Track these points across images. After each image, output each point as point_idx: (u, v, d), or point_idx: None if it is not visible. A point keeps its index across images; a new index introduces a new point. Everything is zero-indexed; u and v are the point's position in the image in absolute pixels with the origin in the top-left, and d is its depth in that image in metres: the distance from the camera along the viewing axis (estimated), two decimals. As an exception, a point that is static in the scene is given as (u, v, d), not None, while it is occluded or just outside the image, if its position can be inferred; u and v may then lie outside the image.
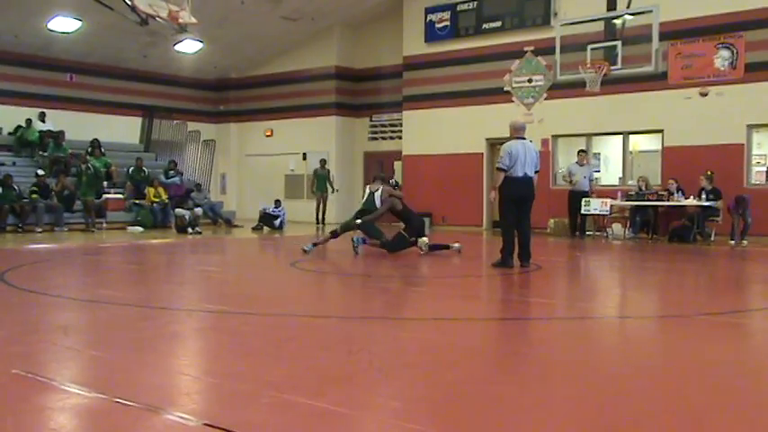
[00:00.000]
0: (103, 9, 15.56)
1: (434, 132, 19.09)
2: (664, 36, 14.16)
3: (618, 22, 15.06)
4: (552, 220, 16.37)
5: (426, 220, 18.24)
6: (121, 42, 19.54)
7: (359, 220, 10.73)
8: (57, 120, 19.68)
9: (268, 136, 23.13)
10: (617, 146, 17.14)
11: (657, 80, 15.12)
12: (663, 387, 3.59)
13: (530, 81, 17.70)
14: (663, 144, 16.06)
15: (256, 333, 4.98)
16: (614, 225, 15.53)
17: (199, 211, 17.50)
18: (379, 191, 10.93)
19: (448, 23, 18.90)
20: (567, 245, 13.78)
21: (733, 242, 13.44)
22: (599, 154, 17.86)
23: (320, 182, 19.78)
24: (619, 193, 15.41)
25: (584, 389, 3.57)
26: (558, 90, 16.81)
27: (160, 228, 17.51)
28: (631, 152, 17.03)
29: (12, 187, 15.93)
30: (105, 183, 18.06)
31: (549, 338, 5.03)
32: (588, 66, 14.62)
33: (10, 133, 19.33)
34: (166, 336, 4.86)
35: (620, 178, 16.98)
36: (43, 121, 19.55)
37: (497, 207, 9.27)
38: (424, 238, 10.77)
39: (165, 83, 22.58)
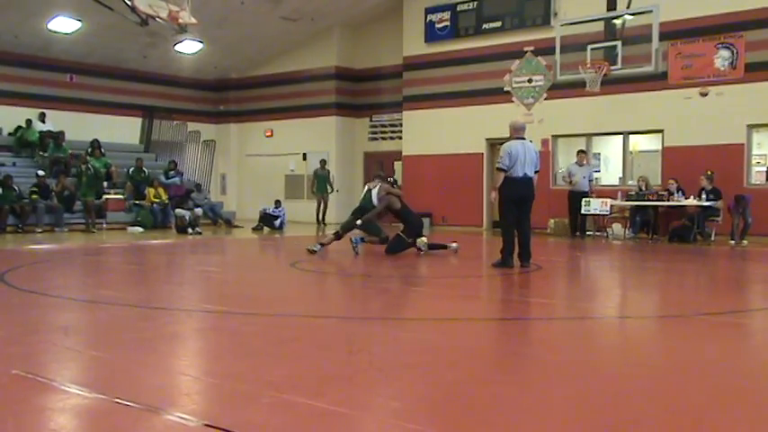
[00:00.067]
0: (103, 10, 15.56)
1: (434, 132, 19.09)
2: (664, 36, 14.16)
3: (618, 22, 15.07)
4: (552, 221, 16.38)
5: (426, 221, 18.34)
6: (121, 43, 19.54)
7: (359, 221, 10.70)
8: (57, 120, 19.68)
9: (268, 136, 23.14)
10: (617, 146, 17.14)
11: (657, 80, 15.12)
12: (663, 387, 3.59)
13: (530, 81, 17.71)
14: (663, 144, 16.06)
15: (257, 333, 4.98)
16: (614, 225, 15.53)
17: (199, 211, 17.51)
18: (377, 188, 10.89)
19: (448, 23, 18.90)
20: (567, 245, 13.78)
21: (733, 242, 13.45)
22: (599, 154, 17.86)
23: (320, 183, 19.79)
24: (619, 193, 15.41)
25: (585, 389, 3.57)
26: (558, 90, 16.81)
27: (160, 228, 17.51)
28: (631, 152, 17.03)
29: (12, 188, 15.93)
30: (105, 183, 18.07)
31: (549, 338, 5.03)
32: (588, 66, 14.62)
33: (10, 134, 19.33)
34: (167, 336, 4.86)
35: (620, 178, 16.98)
36: (43, 122, 19.55)
37: (497, 207, 9.27)
38: (423, 238, 10.75)
39: (165, 83, 22.58)
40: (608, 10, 15.88)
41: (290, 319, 5.57)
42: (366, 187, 11.31)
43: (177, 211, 17.01)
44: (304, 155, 22.07)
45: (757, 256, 11.88)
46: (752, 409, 3.29)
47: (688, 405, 3.33)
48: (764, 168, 15.56)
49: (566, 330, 5.35)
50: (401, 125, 20.17)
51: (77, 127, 19.74)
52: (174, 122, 22.88)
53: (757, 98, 14.69)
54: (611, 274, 9.99)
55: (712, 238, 14.01)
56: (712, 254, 12.29)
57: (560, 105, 17.05)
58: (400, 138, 20.27)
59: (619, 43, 14.54)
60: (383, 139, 21.47)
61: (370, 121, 21.75)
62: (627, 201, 15.05)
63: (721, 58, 15.17)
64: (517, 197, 8.76)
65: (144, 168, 19.11)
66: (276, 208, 18.20)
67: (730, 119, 14.94)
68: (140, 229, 16.93)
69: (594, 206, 14.99)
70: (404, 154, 19.87)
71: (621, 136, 16.77)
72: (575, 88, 15.50)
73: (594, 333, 5.36)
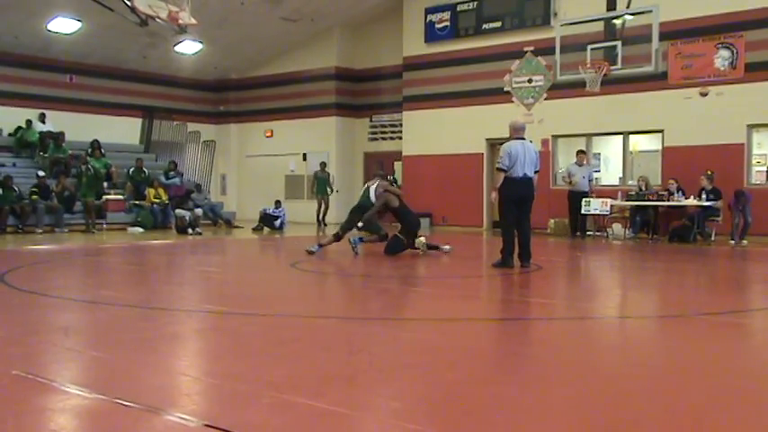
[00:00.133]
0: (103, 10, 15.57)
1: (434, 133, 19.10)
2: (664, 36, 14.16)
3: (618, 22, 15.07)
4: (552, 221, 16.38)
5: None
6: (121, 43, 19.55)
7: (361, 223, 10.65)
8: (57, 121, 19.68)
9: (268, 137, 23.14)
10: (617, 146, 17.15)
11: (657, 80, 15.12)
12: (663, 387, 3.59)
13: (530, 81, 17.71)
14: (663, 144, 16.06)
15: (257, 334, 4.98)
16: (614, 225, 15.53)
17: (199, 211, 17.52)
18: (375, 185, 10.87)
19: (448, 24, 18.90)
20: (567, 245, 13.78)
21: (733, 242, 13.45)
22: (599, 154, 17.86)
23: (320, 185, 19.77)
24: (619, 193, 15.42)
25: (585, 389, 3.57)
26: (558, 90, 16.82)
27: (160, 228, 17.51)
28: (631, 152, 17.04)
29: (12, 188, 15.94)
30: (105, 184, 18.07)
31: (550, 339, 5.03)
32: (588, 66, 14.62)
33: (10, 134, 19.33)
34: (167, 336, 4.86)
35: (620, 178, 16.98)
36: (43, 122, 19.55)
37: (497, 207, 9.27)
38: (422, 239, 10.74)
39: (165, 84, 22.59)
40: (608, 10, 15.88)
41: (290, 319, 5.57)
42: (365, 186, 11.31)
43: (177, 211, 17.02)
44: (304, 155, 22.08)
45: (757, 256, 11.88)
46: (752, 409, 3.29)
47: (688, 405, 3.33)
48: (764, 168, 15.56)
49: (566, 330, 5.35)
50: (401, 125, 20.18)
51: (77, 127, 19.74)
52: (174, 123, 22.88)
53: (757, 98, 14.70)
54: (611, 275, 9.99)
55: (712, 238, 14.00)
56: (712, 254, 12.29)
57: (560, 105, 17.05)
58: (400, 138, 20.27)
59: (619, 43, 14.54)
60: (383, 139, 21.48)
61: (371, 121, 21.75)
62: (627, 201, 15.06)
63: (721, 58, 15.17)
64: (517, 197, 8.76)
65: (144, 169, 19.11)
66: (276, 208, 18.21)
67: (730, 119, 14.94)
68: (140, 230, 16.94)
69: (594, 206, 14.99)
70: (404, 154, 19.87)
71: (621, 136, 16.78)
72: (575, 88, 15.50)
73: (595, 333, 5.36)
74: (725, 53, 15.14)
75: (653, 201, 14.56)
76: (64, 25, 18.35)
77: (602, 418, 3.11)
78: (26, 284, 7.39)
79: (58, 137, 18.93)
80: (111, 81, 21.25)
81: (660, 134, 16.13)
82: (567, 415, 3.15)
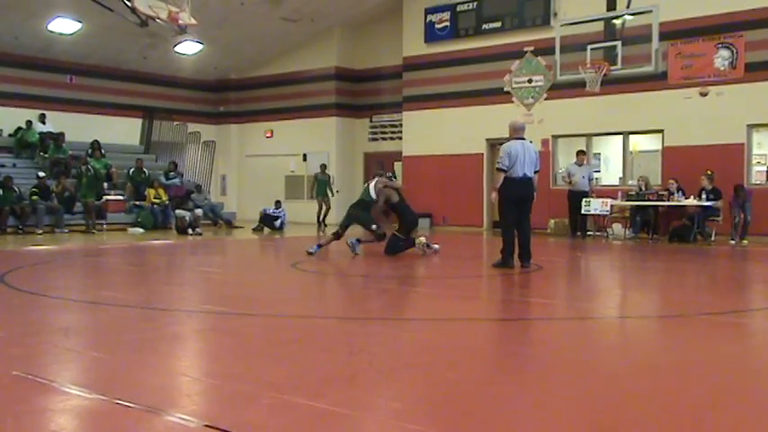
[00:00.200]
0: (103, 11, 15.57)
1: (435, 133, 19.10)
2: (664, 36, 14.15)
3: (618, 22, 15.06)
4: (552, 221, 16.38)
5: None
6: (121, 44, 19.55)
7: (374, 226, 10.57)
8: (57, 121, 19.68)
9: (268, 137, 23.14)
10: (617, 146, 17.14)
11: (657, 80, 15.12)
12: (663, 387, 3.59)
13: (530, 81, 17.71)
14: (663, 144, 16.06)
15: (257, 334, 4.98)
16: (615, 225, 15.53)
17: (199, 212, 17.51)
18: (374, 182, 10.87)
19: (448, 24, 18.91)
20: (567, 245, 13.78)
21: (733, 242, 13.45)
22: (599, 154, 17.86)
23: (321, 186, 19.75)
24: (619, 193, 15.42)
25: (585, 389, 3.57)
26: (558, 90, 16.81)
27: (160, 229, 17.51)
28: (631, 152, 17.03)
29: (12, 189, 15.94)
30: (105, 184, 18.07)
31: (550, 339, 5.03)
32: (588, 66, 14.62)
33: (10, 135, 19.33)
34: (167, 337, 4.86)
35: (620, 178, 16.98)
36: (43, 123, 19.55)
37: (498, 207, 9.26)
38: (422, 238, 10.73)
39: (165, 84, 22.59)
40: (608, 10, 15.88)
41: (290, 319, 5.57)
42: (366, 184, 11.28)
43: (177, 211, 17.02)
44: (304, 155, 22.08)
45: (757, 256, 11.88)
46: (752, 409, 3.29)
47: (688, 405, 3.33)
48: (764, 168, 15.57)
49: (566, 330, 5.35)
50: (401, 125, 20.18)
51: (77, 128, 19.74)
52: (175, 123, 22.88)
53: (757, 98, 14.70)
54: (611, 275, 9.99)
55: (712, 238, 14.00)
56: (712, 254, 12.29)
57: (560, 105, 17.05)
58: (400, 138, 20.27)
59: (619, 43, 14.53)
60: (383, 139, 21.48)
61: (371, 121, 21.75)
62: (627, 201, 15.05)
63: (721, 58, 15.17)
64: (517, 197, 8.76)
65: (144, 169, 19.11)
66: (276, 209, 18.21)
67: (730, 119, 14.94)
68: (141, 230, 16.93)
69: (595, 206, 14.99)
70: (404, 154, 19.87)
71: (621, 136, 16.77)
72: (575, 88, 15.49)
73: (595, 333, 5.36)
74: (725, 53, 15.14)
75: (653, 201, 14.56)
76: (64, 26, 18.35)
77: (602, 418, 3.11)
78: (26, 285, 7.39)
79: (58, 137, 18.93)
80: (111, 81, 21.25)
81: (660, 134, 16.13)
82: (568, 415, 3.15)
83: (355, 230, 11.02)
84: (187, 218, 16.59)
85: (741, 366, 4.16)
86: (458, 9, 18.68)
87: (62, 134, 19.04)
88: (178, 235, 16.07)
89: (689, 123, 15.42)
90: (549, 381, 3.77)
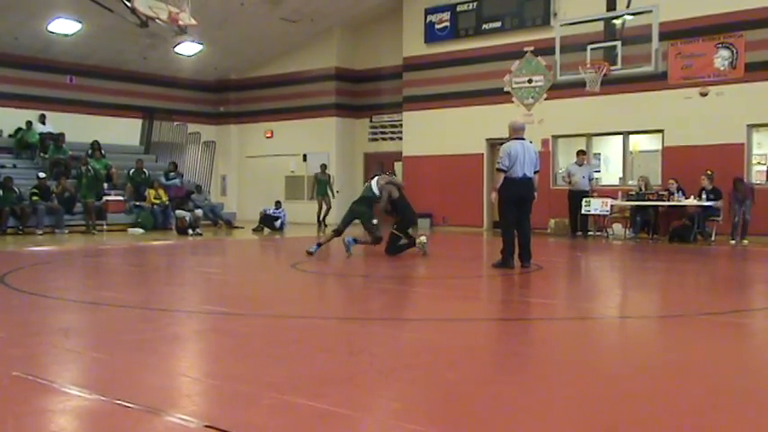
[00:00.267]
0: (103, 11, 15.57)
1: (435, 133, 19.10)
2: (664, 36, 14.15)
3: (618, 22, 15.06)
4: (553, 221, 16.39)
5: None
6: (121, 44, 19.55)
7: (375, 220, 10.58)
8: (57, 122, 19.68)
9: (268, 137, 23.14)
10: (617, 146, 17.14)
11: (657, 80, 15.11)
12: (663, 387, 3.60)
13: (530, 81, 17.71)
14: (663, 144, 16.06)
15: (257, 335, 4.98)
16: (615, 225, 15.53)
17: (199, 212, 17.52)
18: (376, 179, 10.89)
19: (448, 24, 18.91)
20: (567, 245, 13.78)
21: (734, 242, 13.45)
22: (599, 154, 17.86)
23: (321, 186, 19.75)
24: (619, 193, 15.41)
25: (585, 389, 3.57)
26: (558, 90, 16.81)
27: (161, 229, 17.51)
28: (631, 152, 17.03)
29: (12, 189, 15.94)
30: (106, 185, 18.06)
31: (550, 339, 5.03)
32: (588, 66, 14.62)
33: (10, 135, 19.33)
34: (167, 338, 4.86)
35: (620, 178, 16.98)
36: (43, 124, 19.55)
37: (497, 208, 9.26)
38: (423, 238, 10.74)
39: (165, 84, 22.58)
40: (608, 10, 15.88)
41: (290, 320, 5.57)
42: (368, 182, 11.27)
43: (178, 212, 17.02)
44: (304, 156, 22.08)
45: (758, 256, 11.88)
46: (752, 409, 3.29)
47: (689, 405, 3.33)
48: (765, 168, 15.57)
49: (566, 331, 5.35)
50: (401, 126, 20.18)
51: (77, 128, 19.74)
52: (175, 124, 22.89)
53: (757, 98, 14.70)
54: (611, 275, 9.98)
55: (713, 238, 14.00)
56: (713, 254, 12.29)
57: (560, 105, 17.05)
58: (400, 138, 20.27)
59: (619, 43, 14.53)
60: (383, 139, 21.48)
61: (371, 121, 21.75)
62: (627, 201, 15.06)
63: (721, 58, 15.17)
64: (517, 198, 8.76)
65: (144, 170, 19.11)
66: (276, 209, 18.21)
67: (730, 119, 14.94)
68: (141, 231, 16.94)
69: (595, 206, 15.00)
70: (404, 154, 19.88)
71: (621, 136, 16.77)
72: (575, 88, 15.49)
73: (595, 333, 5.37)
74: (725, 53, 15.14)
75: (653, 201, 14.56)
76: (64, 26, 18.34)
77: (602, 418, 3.11)
78: (26, 286, 7.39)
79: (58, 138, 18.93)
80: (111, 82, 21.25)
81: (660, 134, 16.13)
82: (568, 415, 3.15)
83: (354, 230, 11.02)
84: (187, 218, 16.59)
85: (741, 366, 4.17)
86: (458, 9, 18.68)
87: (62, 135, 19.04)
88: (178, 235, 16.07)
89: (689, 123, 15.42)
90: (549, 381, 3.77)
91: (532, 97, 17.69)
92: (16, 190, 16.06)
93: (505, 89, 18.05)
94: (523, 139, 8.96)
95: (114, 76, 21.29)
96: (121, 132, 21.34)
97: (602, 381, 3.78)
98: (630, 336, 5.34)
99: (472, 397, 3.40)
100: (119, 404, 3.15)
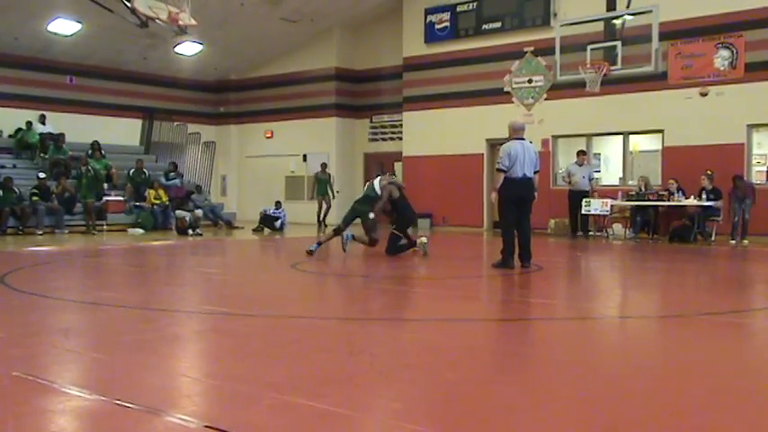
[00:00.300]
0: (103, 11, 15.57)
1: (435, 133, 19.10)
2: (663, 36, 14.15)
3: (618, 22, 15.06)
4: (553, 221, 16.38)
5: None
6: (121, 44, 19.55)
7: (372, 215, 10.62)
8: (57, 122, 19.68)
9: (268, 137, 23.14)
10: (617, 146, 17.15)
11: (657, 80, 15.12)
12: (663, 387, 3.59)
13: (530, 81, 17.71)
14: (663, 144, 16.06)
15: (257, 335, 4.98)
16: (615, 225, 15.53)
17: (199, 212, 17.51)
18: (378, 179, 10.94)
19: (448, 24, 18.91)
20: (567, 245, 13.78)
21: (734, 242, 13.44)
22: (599, 154, 17.86)
23: (321, 186, 19.76)
24: (619, 194, 15.42)
25: (585, 389, 3.58)
26: (558, 90, 16.81)
27: (161, 230, 17.52)
28: (631, 152, 17.04)
29: (12, 190, 15.94)
30: (106, 185, 18.06)
31: (550, 339, 5.03)
32: (588, 66, 14.62)
33: (10, 136, 19.33)
34: (167, 338, 4.86)
35: (620, 178, 16.98)
36: (43, 124, 19.55)
37: (497, 208, 9.26)
38: (423, 239, 10.74)
39: (165, 85, 22.58)
40: (608, 10, 15.87)
41: (290, 320, 5.57)
42: (370, 182, 11.28)
43: (178, 212, 17.02)
44: (304, 156, 22.07)
45: (758, 256, 11.88)
46: (752, 409, 3.29)
47: (688, 405, 3.33)
48: (765, 168, 15.57)
49: (566, 331, 5.35)
50: (401, 126, 20.18)
51: (77, 129, 19.73)
52: (175, 124, 22.89)
53: (757, 98, 14.70)
54: (611, 275, 9.99)
55: (713, 238, 14.00)
56: (713, 254, 12.29)
57: (560, 105, 17.05)
58: (400, 138, 20.27)
59: (619, 43, 14.53)
60: (383, 139, 21.48)
61: (371, 121, 21.75)
62: (627, 201, 15.06)
63: (721, 58, 15.17)
64: (516, 198, 8.76)
65: (144, 170, 19.11)
66: (276, 209, 18.21)
67: (730, 119, 14.94)
68: (141, 231, 16.94)
69: (595, 206, 15.00)
70: (404, 155, 19.88)
71: (621, 136, 16.77)
72: (575, 88, 15.49)
73: (595, 333, 5.37)
74: (725, 53, 15.14)
75: (653, 201, 14.56)
76: (64, 26, 18.34)
77: (602, 418, 3.11)
78: (26, 286, 7.39)
79: (58, 138, 18.93)
80: (111, 82, 21.25)
81: (660, 134, 16.13)
82: (568, 415, 3.15)
83: (355, 229, 11.02)
84: (187, 218, 16.59)
85: (741, 366, 4.17)
86: (458, 9, 18.69)
87: (62, 135, 19.04)
88: (178, 236, 16.07)
89: (689, 123, 15.42)
90: (549, 381, 3.77)
91: (532, 97, 17.69)
92: (16, 190, 16.07)
93: (505, 89, 18.05)
94: (523, 139, 8.96)
95: (114, 77, 21.29)
96: (121, 132, 21.34)
97: (602, 381, 3.78)
98: (630, 336, 5.34)
99: (472, 397, 3.40)
100: (119, 404, 3.15)
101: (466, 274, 9.41)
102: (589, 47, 14.69)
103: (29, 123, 19.29)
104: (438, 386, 3.61)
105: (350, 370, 3.86)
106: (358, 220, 10.84)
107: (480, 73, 18.36)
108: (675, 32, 15.28)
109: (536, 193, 9.02)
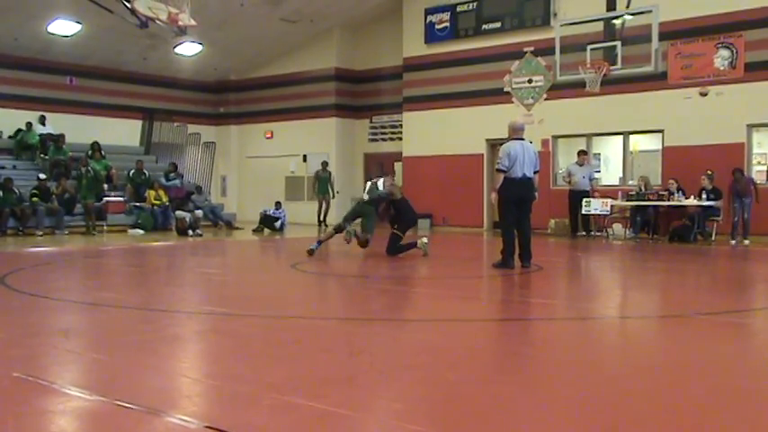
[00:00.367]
0: (103, 12, 15.58)
1: (435, 133, 19.10)
2: (663, 36, 14.16)
3: (617, 22, 15.06)
4: (553, 221, 16.38)
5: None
6: (121, 45, 19.55)
7: (374, 216, 10.66)
8: (57, 123, 19.68)
9: (268, 138, 23.14)
10: (617, 146, 17.14)
11: (657, 80, 15.12)
12: (663, 387, 3.59)
13: (530, 81, 17.71)
14: (663, 144, 16.06)
15: (257, 335, 4.98)
16: (615, 225, 15.53)
17: (199, 213, 17.51)
18: (382, 179, 10.97)
19: (448, 24, 18.91)
20: (567, 245, 13.78)
21: (734, 242, 13.44)
22: (599, 154, 17.86)
23: (322, 184, 19.77)
24: (619, 193, 15.42)
25: (585, 389, 3.58)
26: (558, 90, 16.81)
27: (161, 230, 17.51)
28: (631, 152, 17.03)
29: (12, 190, 15.93)
30: (106, 185, 18.06)
31: (550, 339, 5.03)
32: (588, 66, 14.63)
33: (10, 137, 19.32)
34: (167, 338, 4.86)
35: (620, 178, 16.98)
36: (43, 125, 19.55)
37: (497, 208, 9.26)
38: (424, 239, 10.75)
39: (165, 85, 22.58)
40: (608, 10, 15.87)
41: (290, 320, 5.57)
42: (372, 182, 11.27)
43: (178, 213, 17.02)
44: (304, 156, 22.07)
45: (758, 256, 11.88)
46: (752, 409, 3.29)
47: (688, 405, 3.33)
48: (765, 168, 15.56)
49: (566, 331, 5.35)
50: (401, 126, 20.18)
51: (77, 129, 19.72)
52: (175, 124, 22.88)
53: (757, 98, 14.69)
54: (611, 275, 9.98)
55: (713, 238, 14.00)
56: (713, 254, 12.29)
57: (560, 105, 17.05)
58: (400, 139, 20.27)
59: (618, 43, 14.53)
60: (383, 140, 21.48)
61: (371, 122, 21.75)
62: (627, 201, 15.06)
63: (721, 58, 15.17)
64: (516, 198, 8.76)
65: (144, 170, 19.10)
66: (276, 209, 18.21)
67: (730, 119, 14.94)
68: (141, 232, 16.94)
69: (595, 206, 15.00)
70: (404, 155, 19.87)
71: (621, 136, 16.77)
72: (575, 88, 15.49)
73: (595, 333, 5.37)
74: (725, 53, 15.13)
75: (653, 201, 14.56)
76: (64, 27, 18.34)
77: (602, 418, 3.11)
78: (27, 287, 7.39)
79: (58, 139, 18.93)
80: (111, 83, 21.24)
81: (660, 134, 16.13)
82: (568, 415, 3.15)
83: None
84: (187, 219, 16.59)
85: (741, 366, 4.17)
86: (458, 9, 18.68)
87: (62, 136, 19.03)
88: (178, 236, 16.07)
89: (689, 123, 15.42)
90: (549, 381, 3.77)
91: (532, 97, 17.69)
92: (16, 191, 16.06)
93: (505, 89, 18.05)
94: (523, 139, 8.97)
95: (114, 77, 21.29)
96: (121, 133, 21.33)
97: (602, 381, 3.78)
98: (630, 336, 5.34)
99: (473, 397, 3.40)
100: (119, 405, 3.15)
101: (466, 274, 9.41)
102: (589, 47, 14.70)
103: (29, 124, 19.29)
104: (438, 386, 3.61)
105: (350, 370, 3.86)
106: (358, 221, 10.84)
107: (480, 73, 18.36)
108: (675, 32, 15.28)
109: (537, 194, 9.02)
